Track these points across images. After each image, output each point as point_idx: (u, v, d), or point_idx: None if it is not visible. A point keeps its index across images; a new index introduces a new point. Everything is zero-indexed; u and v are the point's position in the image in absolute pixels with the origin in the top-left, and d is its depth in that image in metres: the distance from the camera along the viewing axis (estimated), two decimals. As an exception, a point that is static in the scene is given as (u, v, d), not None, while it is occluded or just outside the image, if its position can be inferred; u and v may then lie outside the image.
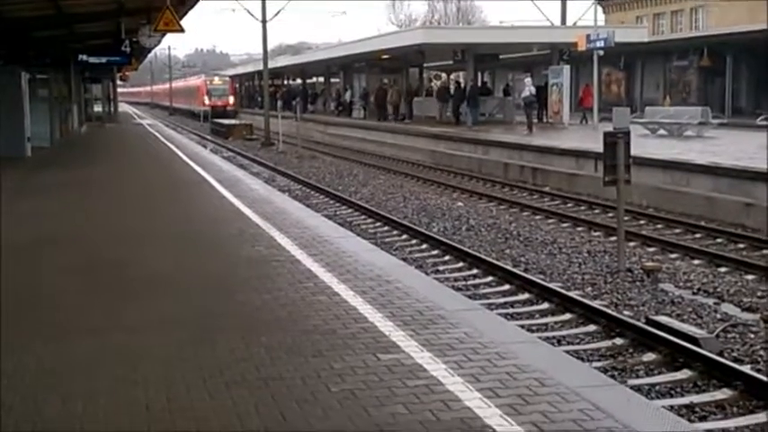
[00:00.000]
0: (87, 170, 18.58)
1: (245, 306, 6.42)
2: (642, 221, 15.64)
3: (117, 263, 8.23)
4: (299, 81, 61.23)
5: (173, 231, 10.21)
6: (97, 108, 50.04)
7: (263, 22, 40.65)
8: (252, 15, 41.42)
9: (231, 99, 65.50)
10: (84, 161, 21.26)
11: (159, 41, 25.80)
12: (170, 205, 12.79)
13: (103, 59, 25.53)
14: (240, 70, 73.63)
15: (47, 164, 20.03)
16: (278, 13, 42.06)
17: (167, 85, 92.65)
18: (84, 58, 25.37)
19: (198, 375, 4.87)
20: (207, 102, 63.84)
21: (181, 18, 20.15)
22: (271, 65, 45.36)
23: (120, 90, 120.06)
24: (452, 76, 52.60)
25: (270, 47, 45.75)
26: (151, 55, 53.95)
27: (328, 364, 5.05)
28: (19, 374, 4.95)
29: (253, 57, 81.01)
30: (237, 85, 71.94)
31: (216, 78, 68.47)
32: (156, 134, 35.20)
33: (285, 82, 62.58)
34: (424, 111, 37.94)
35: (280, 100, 43.44)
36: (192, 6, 21.73)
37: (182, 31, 19.85)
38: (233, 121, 49.81)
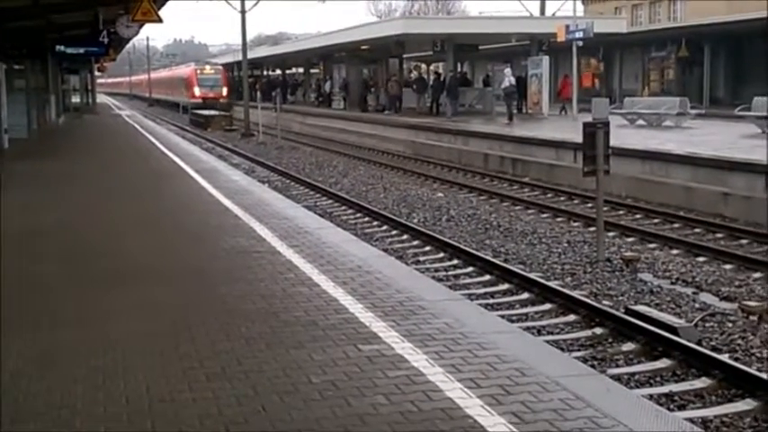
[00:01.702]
0: (66, 161, 18.44)
1: (225, 298, 6.39)
2: (621, 212, 15.72)
3: (96, 254, 8.19)
4: (278, 72, 60.96)
5: (151, 223, 10.16)
6: (75, 99, 49.63)
7: (242, 12, 40.45)
8: (231, 5, 41.23)
9: (225, 90, 57.35)
10: (63, 152, 21.10)
11: (137, 32, 25.56)
12: (149, 196, 12.71)
13: (81, 50, 25.30)
14: (219, 61, 69.51)
15: (24, 155, 19.85)
16: (257, 3, 41.86)
17: (152, 75, 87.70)
18: (62, 48, 25.14)
19: (178, 367, 4.85)
20: (198, 93, 56.95)
21: (159, 8, 19.99)
22: (250, 55, 45.16)
23: (100, 81, 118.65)
24: (432, 67, 52.60)
25: (249, 37, 45.60)
26: (129, 45, 53.63)
27: (309, 355, 5.04)
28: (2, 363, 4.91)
29: (232, 47, 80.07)
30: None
31: (207, 67, 60.94)
32: (135, 125, 34.98)
33: (265, 73, 62.01)
34: (405, 102, 37.86)
35: (259, 91, 43.19)
36: (170, -4, 21.57)
37: (160, 21, 19.72)
38: (212, 112, 48.39)
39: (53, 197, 12.78)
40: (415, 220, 14.89)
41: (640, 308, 8.84)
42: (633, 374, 7.22)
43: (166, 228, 9.78)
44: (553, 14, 37.78)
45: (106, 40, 23.53)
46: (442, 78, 35.11)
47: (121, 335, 5.51)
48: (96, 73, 52.85)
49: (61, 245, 8.78)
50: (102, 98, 73.69)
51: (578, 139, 12.40)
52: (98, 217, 10.65)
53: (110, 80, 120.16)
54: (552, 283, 10.05)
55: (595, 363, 7.45)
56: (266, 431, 4.02)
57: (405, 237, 13.48)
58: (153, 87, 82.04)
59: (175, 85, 66.02)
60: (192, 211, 10.99)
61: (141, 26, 24.00)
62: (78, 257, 8.10)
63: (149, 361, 4.96)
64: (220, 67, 60.57)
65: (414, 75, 47.47)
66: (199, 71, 58.79)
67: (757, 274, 10.72)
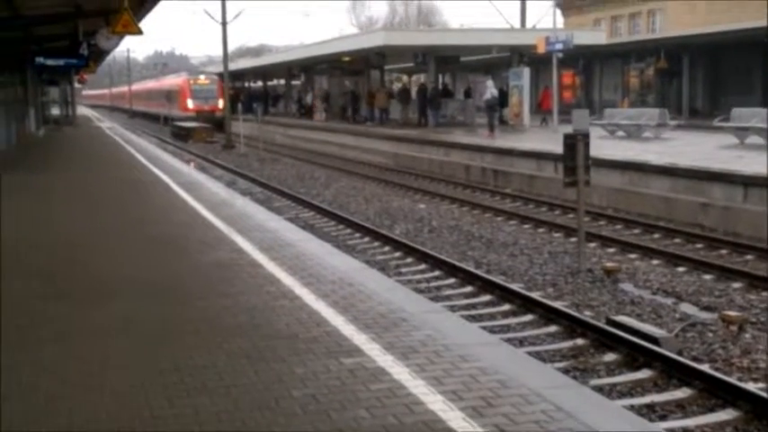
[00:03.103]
0: (46, 174, 18.33)
1: (206, 311, 6.36)
2: (602, 222, 15.79)
3: (76, 267, 8.12)
4: (260, 83, 60.82)
5: (132, 236, 10.09)
6: (55, 111, 49.40)
7: (224, 23, 40.44)
8: (211, 17, 41.22)
9: (221, 102, 49.66)
10: (43, 165, 20.97)
11: (118, 44, 25.49)
12: (129, 209, 12.64)
13: (61, 62, 25.14)
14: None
15: (3, 167, 19.70)
16: (238, 14, 41.99)
17: (135, 86, 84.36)
18: (42, 60, 24.99)
19: (158, 382, 4.81)
20: (191, 106, 51.93)
21: (139, 20, 19.94)
22: (231, 67, 45.09)
23: (85, 93, 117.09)
24: (413, 78, 52.73)
25: (230, 49, 45.51)
26: (110, 57, 53.42)
27: (290, 369, 5.02)
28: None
29: (213, 59, 79.95)
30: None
31: (202, 77, 55.53)
32: (116, 137, 34.83)
33: (246, 84, 61.73)
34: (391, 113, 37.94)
35: (240, 102, 43.05)
36: (150, 9, 21.51)
37: (140, 33, 19.63)
38: (193, 124, 47.38)
39: (30, 210, 12.68)
40: (397, 232, 14.89)
41: (621, 318, 8.87)
42: (615, 385, 7.24)
43: (147, 241, 9.71)
44: (533, 26, 37.98)
45: (86, 53, 23.42)
46: (424, 90, 35.23)
47: (100, 350, 5.46)
48: (77, 85, 52.47)
49: (38, 259, 8.70)
50: (82, 110, 73.29)
51: (559, 150, 12.45)
52: (77, 230, 10.58)
53: (92, 92, 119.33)
54: (534, 294, 10.07)
55: (577, 374, 7.47)
56: (247, 446, 4.00)
57: (387, 248, 13.47)
58: (137, 99, 78.11)
59: (164, 97, 60.80)
60: (173, 224, 10.93)
61: (122, 38, 23.92)
62: (55, 272, 8.03)
63: (129, 377, 4.92)
64: (216, 77, 54.28)
65: (396, 86, 47.62)
66: (192, 81, 53.85)
67: (737, 284, 10.79)
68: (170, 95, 57.66)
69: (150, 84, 75.12)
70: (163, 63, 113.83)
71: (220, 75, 52.05)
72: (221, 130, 42.67)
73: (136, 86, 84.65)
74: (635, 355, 7.77)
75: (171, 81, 61.76)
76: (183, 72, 64.06)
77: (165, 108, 58.66)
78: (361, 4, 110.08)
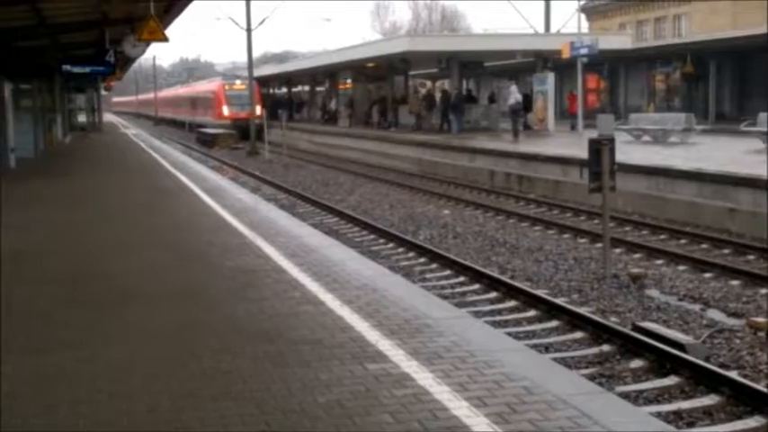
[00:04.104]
0: (72, 181, 18.50)
1: (230, 317, 6.38)
2: (627, 228, 15.68)
3: (101, 274, 8.18)
4: (284, 90, 60.99)
5: (157, 242, 10.15)
6: (81, 118, 49.86)
7: (248, 30, 40.63)
8: (236, 24, 41.43)
9: (258, 109, 45.51)
10: (69, 172, 21.16)
11: (143, 51, 25.72)
12: (155, 216, 12.72)
13: (87, 69, 25.39)
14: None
15: (31, 175, 19.92)
16: (263, 21, 42.08)
17: (165, 93, 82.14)
18: (68, 68, 25.24)
19: (183, 387, 4.83)
20: (226, 113, 49.26)
21: (165, 27, 20.09)
22: (256, 73, 45.28)
23: (115, 100, 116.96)
24: (437, 84, 52.69)
25: (255, 56, 45.59)
26: (135, 64, 53.79)
27: (315, 374, 5.02)
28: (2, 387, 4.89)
29: (237, 65, 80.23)
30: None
31: (238, 82, 51.84)
32: (141, 144, 35.10)
33: (271, 91, 61.92)
34: (410, 119, 37.92)
35: (265, 109, 43.02)
36: (176, 16, 21.67)
37: (166, 40, 19.79)
38: (219, 131, 47.34)
39: (59, 216, 12.79)
40: (422, 237, 14.87)
41: (648, 324, 8.80)
42: (641, 392, 7.18)
43: (172, 247, 9.77)
44: (558, 31, 37.85)
45: (112, 60, 23.63)
46: (447, 95, 35.18)
47: (125, 356, 5.49)
48: (103, 92, 52.86)
49: (64, 265, 8.78)
50: (108, 117, 73.76)
51: (584, 155, 12.39)
52: (103, 236, 10.66)
53: (122, 99, 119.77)
54: (559, 300, 10.02)
55: (603, 380, 7.42)
56: (272, 451, 4.00)
57: (411, 254, 13.46)
58: (166, 106, 76.45)
59: (198, 104, 58.02)
60: (198, 230, 10.99)
61: (147, 45, 24.13)
62: (81, 278, 8.09)
63: (154, 382, 4.95)
64: (253, 82, 50.56)
65: (420, 92, 47.60)
66: (227, 87, 50.85)
67: (765, 290, 10.66)
68: (204, 102, 55.32)
69: (181, 90, 72.40)
70: (191, 68, 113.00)
71: (256, 80, 49.59)
72: (257, 138, 40.06)
73: (166, 93, 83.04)
74: (661, 362, 7.71)
75: (205, 87, 58.64)
76: (216, 78, 60.84)
77: (197, 115, 56.73)
78: (384, 9, 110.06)
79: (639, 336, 8.27)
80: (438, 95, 40.36)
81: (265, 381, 4.92)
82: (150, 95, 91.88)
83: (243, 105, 46.83)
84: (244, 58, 43.73)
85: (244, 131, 42.66)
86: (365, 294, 7.05)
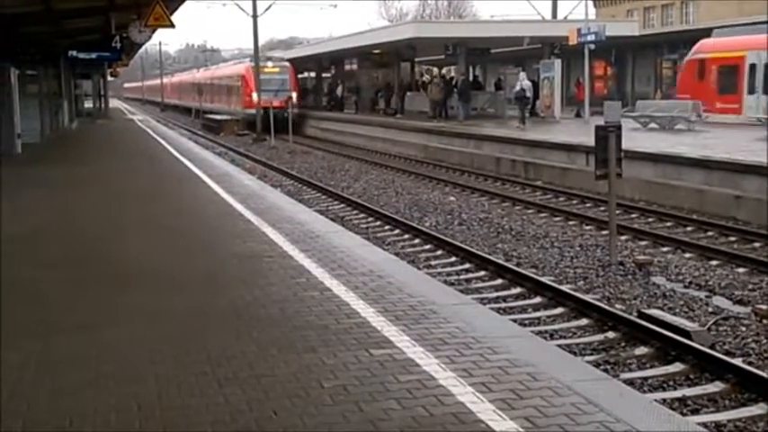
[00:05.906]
0: (78, 166, 18.52)
1: (236, 302, 6.39)
2: (634, 215, 15.66)
3: (107, 258, 8.21)
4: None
5: (163, 227, 10.18)
6: (87, 104, 49.86)
7: (254, 16, 40.55)
8: (242, 10, 41.32)
9: (294, 95, 40.95)
10: (75, 157, 21.19)
11: (150, 37, 25.74)
12: (160, 201, 12.74)
13: (93, 55, 25.49)
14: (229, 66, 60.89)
15: (37, 160, 19.95)
16: (269, 7, 41.92)
17: (178, 77, 76.52)
18: (74, 53, 25.30)
19: (189, 372, 4.85)
20: (256, 100, 40.25)
21: (171, 13, 20.07)
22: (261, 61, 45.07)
23: (126, 86, 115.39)
24: (444, 71, 52.56)
25: (260, 42, 45.46)
26: (141, 50, 53.74)
27: (320, 359, 5.03)
28: (7, 370, 4.91)
29: (243, 52, 79.88)
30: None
31: (270, 64, 44.35)
32: (148, 130, 35.10)
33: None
34: (416, 106, 37.90)
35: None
36: (182, 1, 21.65)
37: (172, 26, 19.80)
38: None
39: (65, 201, 12.82)
40: (427, 224, 14.87)
41: (653, 312, 8.80)
42: (646, 379, 7.19)
43: (178, 232, 9.79)
44: (565, 18, 37.69)
45: (119, 45, 23.67)
46: (454, 82, 35.09)
47: (131, 340, 5.51)
48: (110, 78, 52.79)
49: (69, 249, 8.81)
50: (113, 102, 73.46)
51: (590, 142, 12.36)
52: (108, 221, 10.68)
53: (131, 84, 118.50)
54: (564, 287, 10.02)
55: (608, 367, 7.43)
56: (278, 436, 4.02)
57: (416, 241, 13.47)
58: (182, 93, 69.92)
59: (220, 91, 51.38)
60: (204, 216, 11.01)
61: (154, 31, 24.12)
62: (87, 261, 8.11)
63: (160, 367, 4.96)
64: (287, 64, 45.05)
65: (425, 78, 47.48)
66: (257, 70, 41.40)
67: (771, 278, 10.66)
68: (229, 88, 49.13)
69: (201, 74, 63.07)
70: (211, 49, 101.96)
71: (290, 61, 45.39)
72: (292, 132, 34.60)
73: (179, 77, 77.92)
74: (667, 349, 7.71)
75: (229, 70, 51.75)
76: (244, 59, 52.28)
77: (219, 102, 51.32)
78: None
79: (645, 323, 8.27)
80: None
81: (271, 366, 4.93)
82: (164, 80, 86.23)
83: (277, 92, 41.04)
84: (250, 44, 43.50)
85: (277, 121, 35.93)
86: (371, 280, 7.06)
